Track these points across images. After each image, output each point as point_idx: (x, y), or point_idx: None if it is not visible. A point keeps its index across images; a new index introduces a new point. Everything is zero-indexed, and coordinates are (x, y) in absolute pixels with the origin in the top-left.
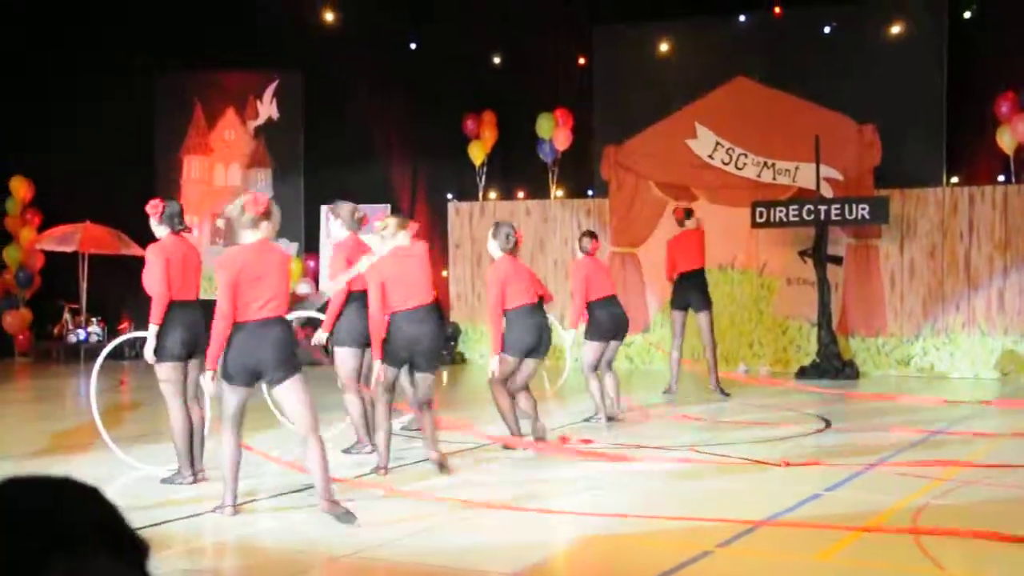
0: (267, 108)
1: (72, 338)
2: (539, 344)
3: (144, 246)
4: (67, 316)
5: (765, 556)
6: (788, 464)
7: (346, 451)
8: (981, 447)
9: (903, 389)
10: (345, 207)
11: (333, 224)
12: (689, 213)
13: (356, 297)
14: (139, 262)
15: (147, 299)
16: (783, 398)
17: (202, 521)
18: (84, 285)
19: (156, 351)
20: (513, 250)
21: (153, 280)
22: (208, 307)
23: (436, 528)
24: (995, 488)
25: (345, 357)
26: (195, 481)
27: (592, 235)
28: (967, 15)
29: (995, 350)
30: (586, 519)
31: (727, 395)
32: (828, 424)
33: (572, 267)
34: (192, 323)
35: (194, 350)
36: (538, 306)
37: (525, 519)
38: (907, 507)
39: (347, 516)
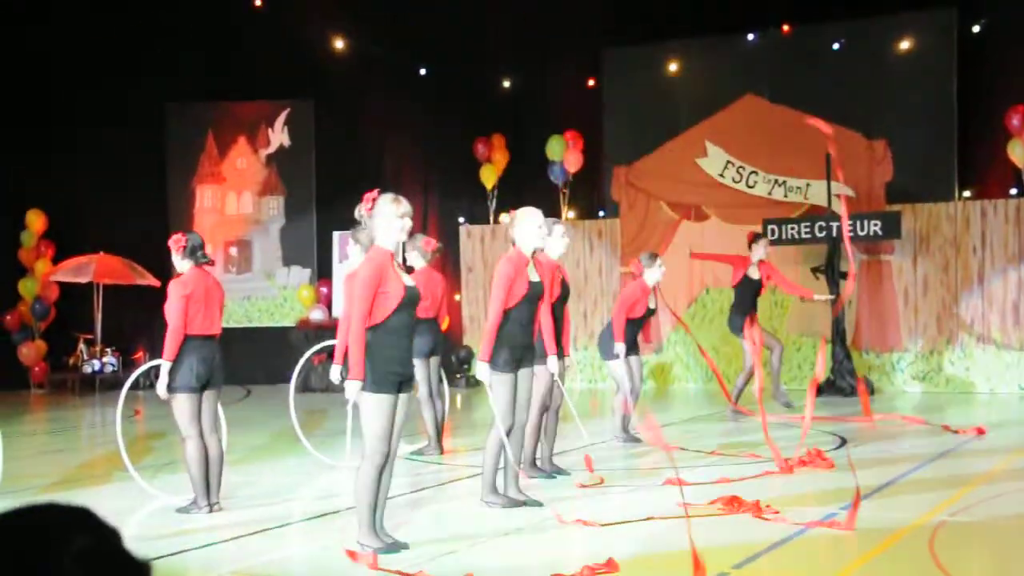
0: (278, 136)
1: (87, 369)
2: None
3: (157, 276)
4: (82, 347)
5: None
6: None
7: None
8: (998, 464)
9: (917, 407)
10: (365, 233)
11: (352, 249)
12: (758, 236)
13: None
14: (153, 292)
15: (165, 330)
16: (797, 414)
17: (220, 550)
18: (99, 316)
19: (171, 383)
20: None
21: (172, 314)
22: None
23: (456, 552)
24: (1011, 504)
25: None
26: (211, 511)
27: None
28: (976, 29)
29: (1011, 364)
30: (591, 540)
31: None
32: (844, 442)
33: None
34: (209, 356)
35: (208, 382)
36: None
37: (530, 540)
38: (925, 524)
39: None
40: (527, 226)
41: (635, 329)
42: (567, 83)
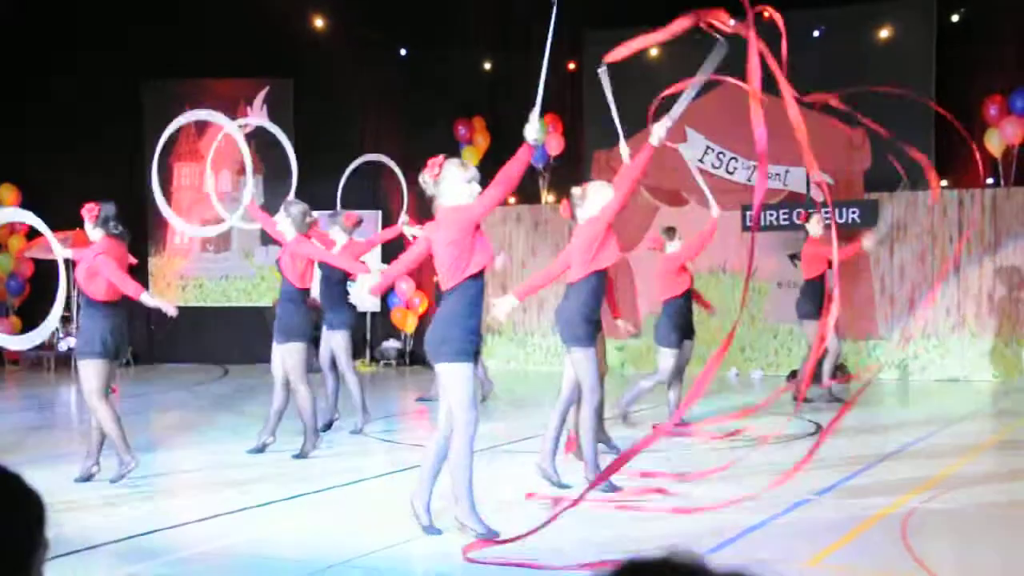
0: (257, 115)
1: (63, 346)
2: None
3: (135, 254)
4: (57, 324)
5: (755, 562)
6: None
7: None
8: (972, 450)
9: (894, 392)
10: (297, 207)
11: (283, 222)
12: (811, 214)
13: (293, 295)
14: (130, 269)
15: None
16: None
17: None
18: (74, 293)
19: (82, 349)
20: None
21: (116, 277)
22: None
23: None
24: (981, 492)
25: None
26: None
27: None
28: (955, 19)
29: (985, 353)
30: (573, 524)
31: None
32: (819, 428)
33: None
34: (119, 325)
35: (117, 352)
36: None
37: (509, 520)
38: (896, 512)
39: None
40: (599, 200)
41: (687, 310)
42: (549, 66)
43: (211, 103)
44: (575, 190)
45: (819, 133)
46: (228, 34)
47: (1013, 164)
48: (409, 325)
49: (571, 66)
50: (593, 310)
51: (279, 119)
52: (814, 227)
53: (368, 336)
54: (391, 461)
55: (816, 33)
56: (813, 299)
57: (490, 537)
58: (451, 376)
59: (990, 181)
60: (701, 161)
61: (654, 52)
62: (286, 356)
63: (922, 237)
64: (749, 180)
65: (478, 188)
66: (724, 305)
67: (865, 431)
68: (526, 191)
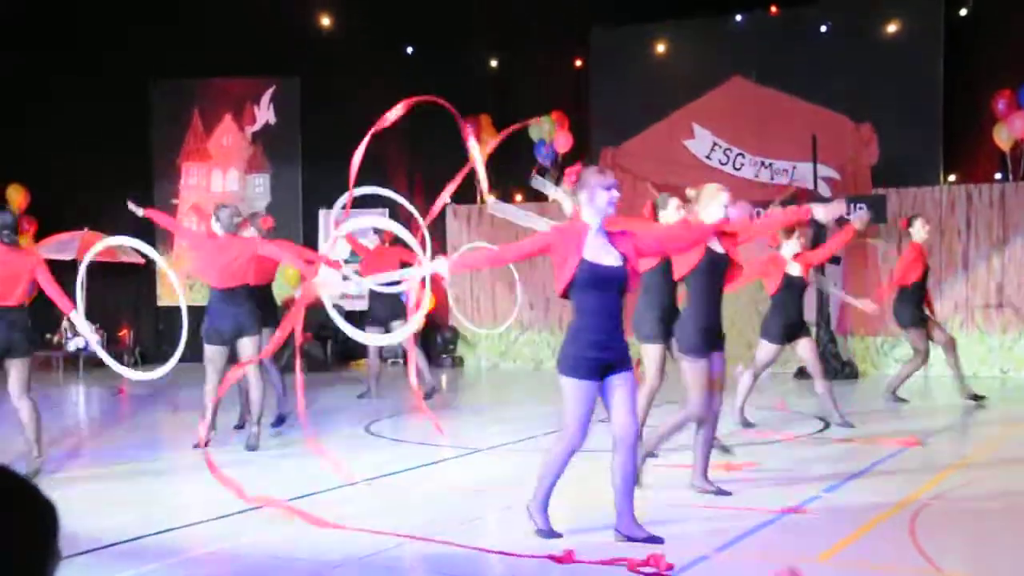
0: (264, 113)
1: (71, 347)
2: (219, 328)
3: (141, 254)
4: (65, 325)
5: (764, 559)
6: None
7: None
8: (980, 446)
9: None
10: (226, 211)
11: (214, 225)
12: (913, 218)
13: (219, 294)
14: (137, 270)
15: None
16: (783, 399)
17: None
18: (82, 293)
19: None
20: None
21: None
22: None
23: (444, 532)
24: (990, 488)
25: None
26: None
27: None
28: (963, 12)
29: (994, 348)
30: (579, 521)
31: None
32: (827, 425)
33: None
34: (7, 326)
35: (7, 353)
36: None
37: (518, 519)
38: (906, 507)
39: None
40: (713, 203)
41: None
42: (555, 63)
43: (219, 102)
44: (690, 191)
45: (827, 128)
46: (235, 33)
47: (1021, 158)
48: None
49: (578, 63)
50: (699, 316)
51: (286, 118)
52: (918, 231)
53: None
54: (397, 460)
55: (823, 28)
56: (915, 304)
57: (549, 538)
58: (563, 389)
59: (998, 176)
60: (708, 157)
61: (660, 48)
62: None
63: (929, 232)
64: (756, 176)
65: (616, 194)
66: (733, 303)
67: (871, 428)
68: (533, 188)
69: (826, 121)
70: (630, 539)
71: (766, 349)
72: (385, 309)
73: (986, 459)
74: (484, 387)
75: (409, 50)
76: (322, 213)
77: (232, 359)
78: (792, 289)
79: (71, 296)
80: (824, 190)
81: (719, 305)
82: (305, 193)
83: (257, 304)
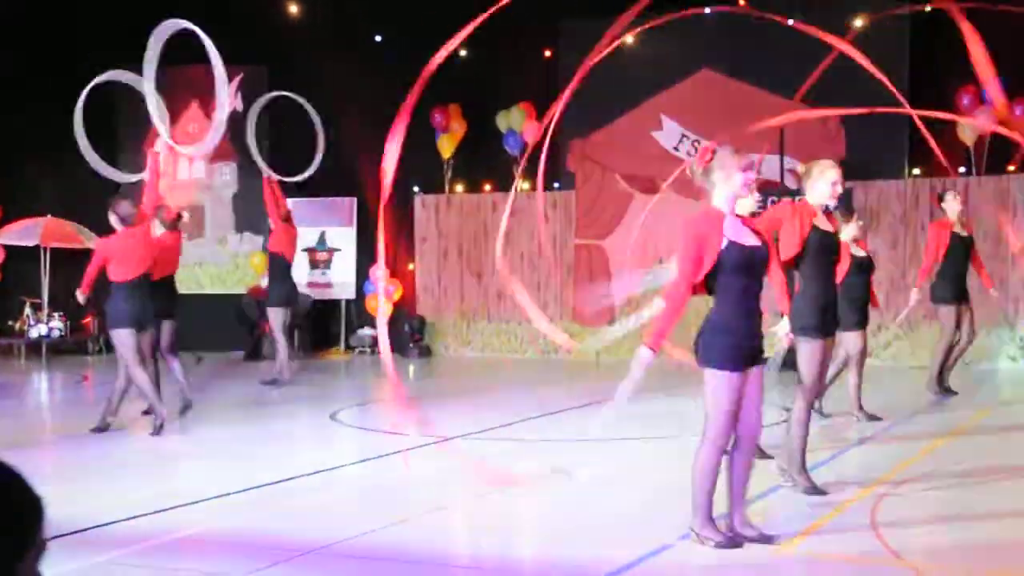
0: (231, 102)
1: (34, 333)
2: (141, 316)
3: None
4: (28, 311)
5: (726, 548)
6: None
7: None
8: (942, 436)
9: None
10: (123, 204)
11: (111, 218)
12: (944, 193)
13: (125, 285)
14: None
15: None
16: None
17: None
18: (45, 280)
19: None
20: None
21: None
22: None
23: (408, 520)
24: (952, 477)
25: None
26: None
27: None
28: (928, 8)
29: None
30: (543, 509)
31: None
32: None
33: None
34: None
35: None
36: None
37: (483, 508)
38: (867, 496)
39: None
40: (821, 180)
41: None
42: (524, 54)
43: (184, 90)
44: (799, 167)
45: (793, 121)
46: (201, 21)
47: (985, 153)
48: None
49: (547, 54)
50: (817, 296)
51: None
52: (950, 204)
53: (343, 324)
54: (365, 449)
55: (791, 22)
56: (952, 283)
57: (729, 546)
58: (709, 383)
59: (962, 170)
60: (676, 149)
61: (629, 40)
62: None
63: (894, 226)
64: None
65: (752, 176)
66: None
67: (839, 416)
68: (502, 178)
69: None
70: (740, 537)
71: (852, 339)
72: (282, 293)
73: (950, 448)
74: (452, 376)
75: (378, 38)
76: (289, 201)
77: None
78: (863, 273)
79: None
80: (791, 182)
81: (835, 285)
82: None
83: (161, 296)
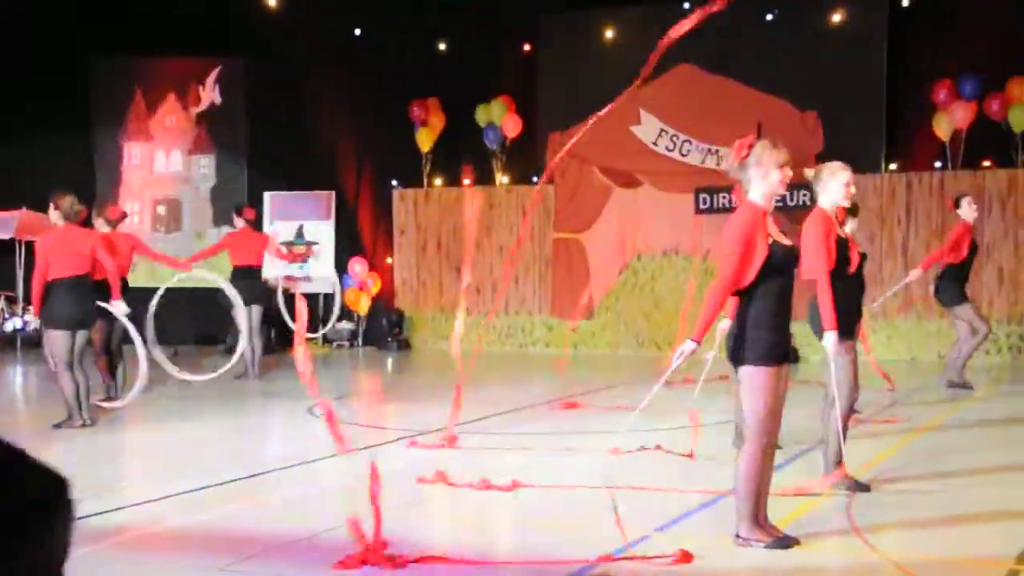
0: (209, 94)
1: (8, 327)
2: (82, 316)
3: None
4: (3, 304)
5: (703, 539)
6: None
7: (56, 426)
8: (916, 429)
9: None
10: (66, 199)
11: (53, 214)
12: (960, 197)
13: (63, 282)
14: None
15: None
16: (723, 383)
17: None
18: (20, 273)
19: None
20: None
21: None
22: None
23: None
24: (926, 469)
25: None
26: None
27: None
28: (905, 3)
29: (931, 333)
30: (521, 502)
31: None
32: None
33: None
34: None
35: None
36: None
37: (466, 499)
38: (842, 491)
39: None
40: (833, 182)
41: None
42: (503, 48)
43: (163, 82)
44: (807, 172)
45: (773, 116)
46: (180, 11)
47: (961, 147)
48: (362, 307)
49: (526, 48)
50: (847, 299)
51: (231, 99)
52: (966, 211)
53: (321, 317)
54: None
55: (769, 16)
56: (962, 284)
57: (783, 546)
58: (753, 380)
59: (938, 164)
60: (655, 144)
61: (609, 34)
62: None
63: (870, 220)
64: (702, 162)
65: (789, 174)
66: (678, 287)
67: (811, 411)
68: (481, 172)
69: (772, 108)
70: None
71: (966, 310)
72: (246, 292)
73: (924, 440)
74: (430, 370)
75: (357, 32)
76: (267, 195)
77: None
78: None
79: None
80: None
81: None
82: (251, 175)
83: (100, 297)
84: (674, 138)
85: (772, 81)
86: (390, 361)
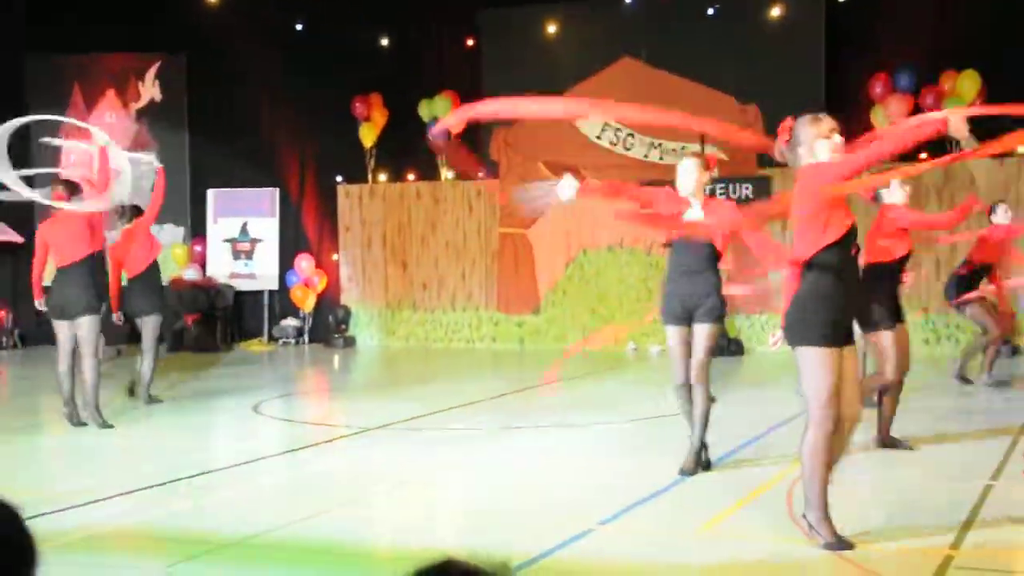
0: (149, 90)
1: None
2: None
3: (21, 232)
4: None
5: (646, 532)
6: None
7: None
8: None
9: (787, 365)
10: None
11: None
12: (994, 208)
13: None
14: (15, 249)
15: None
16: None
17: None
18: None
19: None
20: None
21: None
22: None
23: (331, 511)
24: (863, 459)
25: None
26: None
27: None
28: None
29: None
30: (467, 497)
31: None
32: (713, 400)
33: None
34: None
35: None
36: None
37: (406, 497)
38: (783, 480)
39: None
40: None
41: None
42: (446, 42)
43: (101, 78)
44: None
45: (713, 109)
46: (119, 7)
47: None
48: (308, 303)
49: (469, 43)
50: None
51: (172, 95)
52: (1001, 216)
53: (266, 315)
54: (288, 440)
55: (711, 11)
56: (968, 285)
57: (840, 549)
58: (811, 362)
59: None
60: (598, 138)
61: (551, 29)
62: None
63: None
64: (646, 156)
65: (838, 139)
66: (623, 280)
67: (755, 402)
68: (426, 167)
69: (713, 102)
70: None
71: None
72: (142, 302)
73: (861, 431)
74: (376, 366)
75: (299, 27)
76: (210, 192)
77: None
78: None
79: None
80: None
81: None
82: (193, 171)
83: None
84: (617, 132)
85: (713, 75)
86: (336, 358)
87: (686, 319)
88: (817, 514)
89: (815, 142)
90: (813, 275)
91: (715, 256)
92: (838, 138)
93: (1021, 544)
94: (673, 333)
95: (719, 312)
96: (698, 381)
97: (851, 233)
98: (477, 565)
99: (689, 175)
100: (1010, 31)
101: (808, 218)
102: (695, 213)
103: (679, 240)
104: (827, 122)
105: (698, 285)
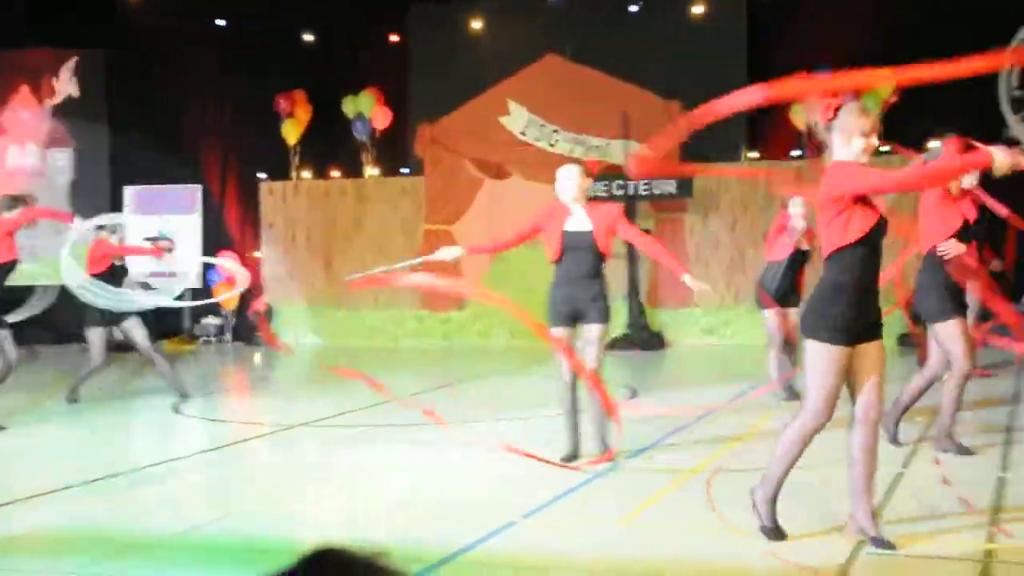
0: (65, 86)
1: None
2: None
3: None
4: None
5: (569, 524)
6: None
7: None
8: (775, 409)
9: (708, 358)
10: (3, 199)
11: None
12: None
13: None
14: None
15: None
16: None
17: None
18: None
19: None
20: None
21: None
22: None
23: (251, 509)
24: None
25: None
26: None
27: None
28: None
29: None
30: (389, 493)
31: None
32: (635, 393)
33: None
34: None
35: None
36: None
37: (328, 494)
38: (705, 469)
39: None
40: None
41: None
42: (370, 38)
43: (14, 74)
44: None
45: (637, 106)
46: (31, 4)
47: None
48: (230, 302)
49: (393, 39)
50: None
51: (91, 92)
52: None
53: (187, 313)
54: (208, 439)
55: (634, 9)
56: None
57: (773, 538)
58: (815, 356)
59: (796, 152)
60: (523, 133)
61: (477, 25)
62: None
63: (733, 207)
64: (570, 152)
65: (874, 144)
66: (546, 276)
67: (675, 395)
68: (350, 163)
69: (637, 99)
70: (880, 539)
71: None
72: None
73: (781, 421)
74: (298, 364)
75: (221, 22)
76: (127, 190)
77: None
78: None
79: None
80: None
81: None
82: (112, 169)
83: None
84: (542, 128)
85: (636, 72)
86: (258, 356)
87: (572, 321)
88: (766, 493)
89: (855, 136)
90: (833, 270)
91: (601, 263)
92: (875, 140)
93: (928, 528)
94: (559, 334)
95: (607, 314)
96: (596, 378)
97: (877, 228)
98: (354, 553)
99: (571, 181)
100: (928, 30)
101: (833, 214)
102: (578, 219)
103: (566, 252)
104: (872, 122)
105: (586, 291)
